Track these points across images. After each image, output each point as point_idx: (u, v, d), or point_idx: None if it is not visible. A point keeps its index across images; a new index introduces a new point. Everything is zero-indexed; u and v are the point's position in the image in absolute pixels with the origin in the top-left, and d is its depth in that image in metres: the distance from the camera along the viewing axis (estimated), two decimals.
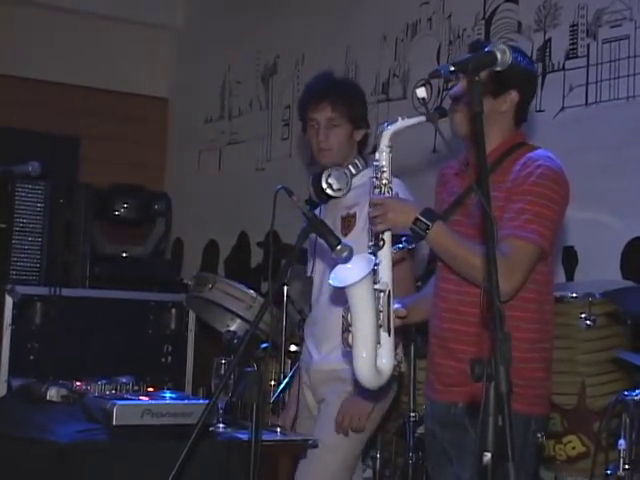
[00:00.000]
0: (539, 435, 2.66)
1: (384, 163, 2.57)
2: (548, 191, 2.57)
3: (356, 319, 2.47)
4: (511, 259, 2.49)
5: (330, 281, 2.51)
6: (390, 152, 2.56)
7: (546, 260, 2.64)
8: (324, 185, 3.27)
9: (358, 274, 2.44)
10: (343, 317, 2.54)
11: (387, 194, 2.58)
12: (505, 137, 2.70)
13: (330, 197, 3.30)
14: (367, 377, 2.50)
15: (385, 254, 2.54)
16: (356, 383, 2.72)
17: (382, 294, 2.51)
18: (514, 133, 2.74)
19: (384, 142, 2.55)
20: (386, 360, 2.51)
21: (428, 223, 2.54)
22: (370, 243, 2.56)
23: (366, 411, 3.20)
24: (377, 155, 2.58)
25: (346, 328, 2.51)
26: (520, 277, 2.54)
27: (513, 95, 2.68)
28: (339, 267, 2.51)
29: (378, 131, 2.58)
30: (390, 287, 2.53)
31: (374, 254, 2.53)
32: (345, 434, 3.21)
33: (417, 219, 2.55)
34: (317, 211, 3.36)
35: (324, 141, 3.33)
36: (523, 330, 2.59)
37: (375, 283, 2.50)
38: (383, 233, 2.55)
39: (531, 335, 2.63)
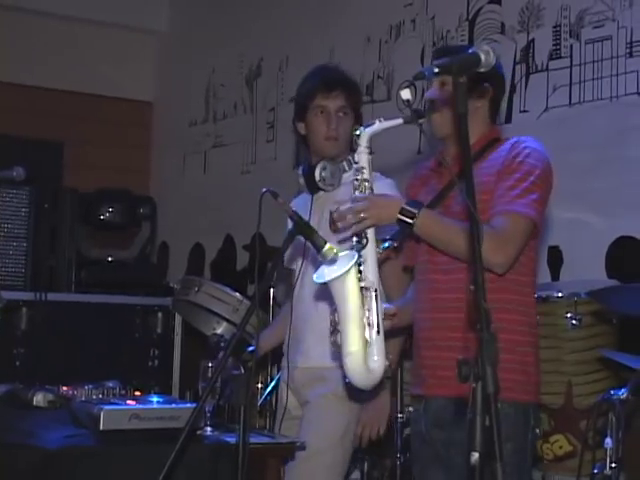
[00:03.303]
0: (537, 431, 2.68)
1: (363, 164, 2.58)
2: (535, 169, 2.62)
3: (342, 316, 2.45)
4: (504, 231, 2.54)
5: (314, 277, 2.50)
6: (369, 153, 2.58)
7: (536, 239, 2.68)
8: (317, 178, 3.25)
9: (340, 268, 2.44)
10: (330, 318, 2.54)
11: (368, 192, 2.59)
12: (483, 132, 2.74)
13: (320, 189, 3.29)
14: (358, 375, 2.45)
15: (370, 252, 2.53)
16: (348, 386, 2.71)
17: (368, 292, 2.50)
18: (491, 129, 2.79)
19: (362, 143, 2.57)
20: (378, 358, 2.47)
21: (414, 211, 2.57)
22: (353, 242, 2.56)
23: (384, 418, 3.22)
24: (356, 156, 2.59)
25: (334, 328, 2.49)
26: (513, 249, 2.57)
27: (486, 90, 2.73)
28: (322, 266, 2.51)
29: (356, 133, 2.60)
30: (377, 285, 2.52)
31: (358, 252, 2.53)
32: (364, 445, 3.25)
33: (403, 209, 2.57)
34: (306, 202, 3.33)
35: (335, 129, 3.27)
36: (519, 313, 2.63)
37: (361, 281, 2.49)
38: (366, 231, 2.55)
39: (525, 318, 2.68)
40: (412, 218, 2.57)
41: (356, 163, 2.60)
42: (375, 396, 3.16)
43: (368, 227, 2.55)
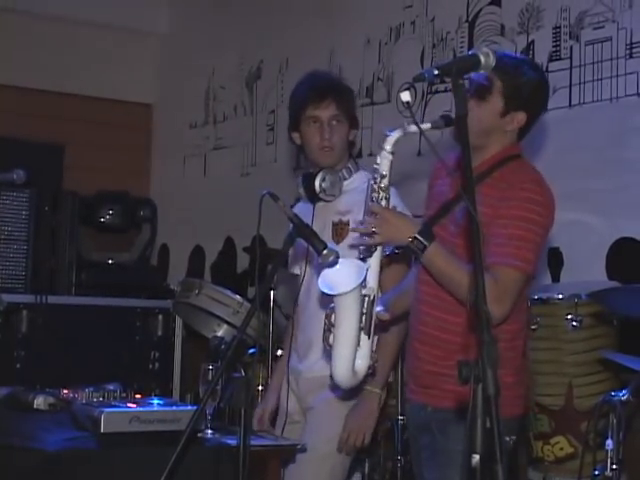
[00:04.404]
0: (507, 439, 2.64)
1: (385, 169, 2.57)
2: (533, 215, 2.58)
3: (340, 322, 2.53)
4: (500, 286, 2.52)
5: (320, 287, 2.52)
6: (392, 158, 2.57)
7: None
8: (318, 189, 3.23)
9: (350, 283, 2.47)
10: (327, 317, 2.60)
11: (384, 202, 2.59)
12: (503, 148, 2.70)
13: (320, 199, 3.28)
14: (344, 377, 2.60)
15: (375, 259, 2.57)
16: (333, 383, 2.75)
17: (367, 298, 2.55)
18: (511, 145, 2.73)
19: (387, 148, 2.56)
20: (362, 361, 2.59)
21: (425, 243, 2.55)
22: (362, 248, 2.58)
23: (370, 426, 3.19)
24: (379, 159, 2.58)
25: (328, 328, 2.59)
26: (509, 303, 2.57)
27: (520, 117, 2.68)
28: (327, 271, 2.52)
29: (383, 134, 2.57)
30: (375, 292, 2.56)
31: (364, 259, 2.55)
32: (348, 452, 3.20)
33: (415, 238, 2.55)
34: (308, 211, 3.30)
35: (329, 139, 3.24)
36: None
37: (363, 289, 2.53)
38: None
39: (501, 344, 2.64)
40: (422, 250, 2.55)
41: (377, 165, 2.59)
42: (358, 393, 3.16)
43: (377, 244, 2.56)
